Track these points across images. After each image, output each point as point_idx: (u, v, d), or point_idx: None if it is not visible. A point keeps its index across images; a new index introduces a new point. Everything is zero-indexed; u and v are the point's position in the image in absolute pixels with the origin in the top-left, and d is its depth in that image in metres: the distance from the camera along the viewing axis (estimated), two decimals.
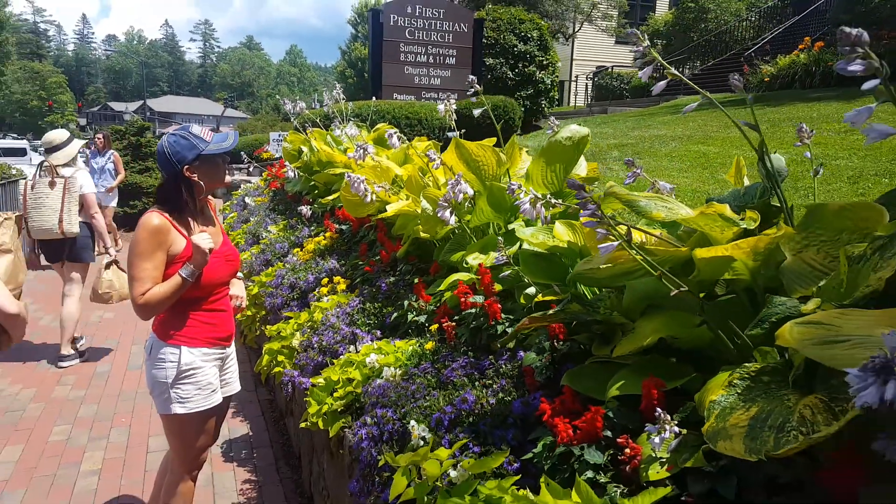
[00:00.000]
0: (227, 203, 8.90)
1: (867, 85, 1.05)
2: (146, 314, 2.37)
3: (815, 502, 1.18)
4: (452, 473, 1.74)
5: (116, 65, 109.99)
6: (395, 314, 2.93)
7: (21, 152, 26.76)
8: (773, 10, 19.08)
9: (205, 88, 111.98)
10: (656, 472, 1.42)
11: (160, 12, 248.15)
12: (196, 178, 2.43)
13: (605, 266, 1.71)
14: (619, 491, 1.45)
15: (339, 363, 2.71)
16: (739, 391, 1.27)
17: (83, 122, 72.59)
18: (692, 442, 1.41)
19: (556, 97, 14.01)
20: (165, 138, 2.45)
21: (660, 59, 1.65)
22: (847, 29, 1.00)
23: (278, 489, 3.39)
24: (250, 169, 9.83)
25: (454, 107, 3.70)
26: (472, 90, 3.00)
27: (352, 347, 2.84)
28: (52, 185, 5.06)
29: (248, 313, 4.60)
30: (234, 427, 4.12)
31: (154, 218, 2.36)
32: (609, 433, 1.58)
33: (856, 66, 1.01)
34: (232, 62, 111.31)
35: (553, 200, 1.82)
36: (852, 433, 1.10)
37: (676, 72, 1.74)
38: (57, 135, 5.31)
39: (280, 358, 3.43)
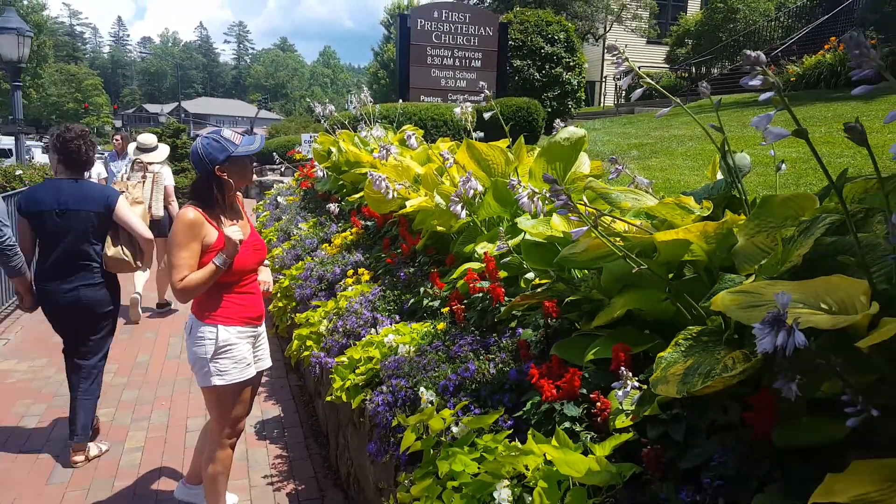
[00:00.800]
0: (260, 202, 9.28)
1: (763, 96, 1.31)
2: (184, 297, 2.69)
3: (741, 439, 1.43)
4: (454, 429, 2.03)
5: (151, 67, 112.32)
6: (412, 300, 3.22)
7: (5, 154, 21.02)
8: (802, 10, 18.99)
9: (239, 90, 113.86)
10: (622, 422, 1.68)
11: (194, 14, 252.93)
12: (226, 177, 2.74)
13: (584, 250, 1.98)
14: (590, 437, 1.72)
15: (361, 344, 3.01)
16: (683, 349, 1.53)
17: (118, 123, 74.26)
18: (659, 398, 1.67)
19: (583, 98, 14.16)
20: (199, 140, 2.77)
21: (637, 75, 1.90)
22: (748, 51, 1.26)
23: (307, 463, 3.70)
24: (283, 169, 10.20)
25: (469, 110, 3.98)
26: (483, 95, 3.26)
27: (372, 330, 3.14)
28: (143, 178, 6.13)
29: (280, 304, 4.94)
30: (266, 409, 4.45)
31: (189, 213, 2.68)
32: (585, 391, 1.85)
33: (755, 82, 1.27)
34: (265, 64, 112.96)
35: (547, 194, 2.08)
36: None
37: (650, 81, 1.99)
38: (150, 138, 6.61)
39: (308, 343, 3.74)
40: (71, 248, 3.58)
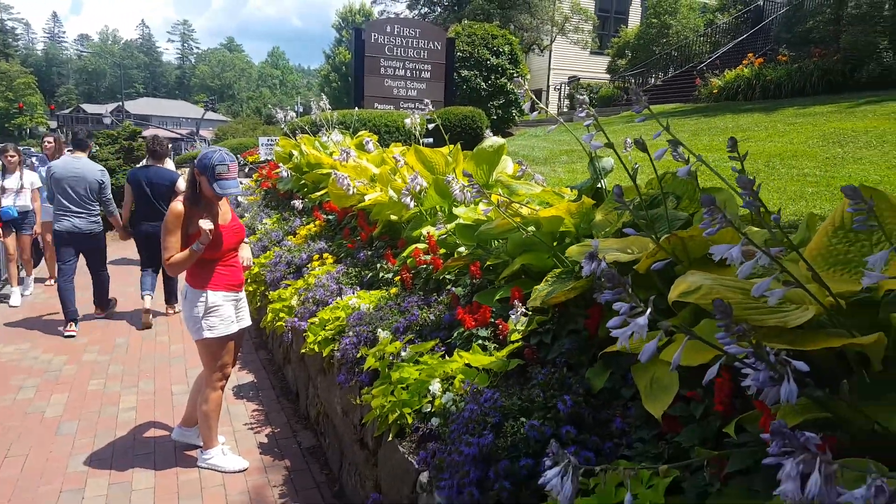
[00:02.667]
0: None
1: (580, 114, 2.15)
2: (173, 272, 3.48)
3: (582, 337, 2.28)
4: (403, 354, 2.83)
5: (89, 65, 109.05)
6: (370, 275, 4.02)
7: None
8: (728, 27, 20.49)
9: (183, 90, 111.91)
10: (515, 336, 2.51)
11: (136, 12, 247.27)
12: (201, 183, 3.46)
13: (495, 226, 2.82)
14: (494, 346, 2.55)
15: (329, 308, 3.79)
16: (549, 283, 2.37)
17: (54, 124, 72.00)
18: (537, 319, 2.51)
19: (525, 107, 15.17)
20: (206, 147, 3.52)
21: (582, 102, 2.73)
22: (578, 96, 2.10)
23: (280, 414, 4.44)
24: (246, 171, 10.83)
25: (418, 120, 4.80)
26: (428, 109, 4.07)
27: (338, 298, 3.91)
28: None
29: (250, 289, 5.64)
30: (241, 377, 5.15)
31: (178, 205, 3.44)
32: (493, 321, 2.68)
33: (582, 114, 2.11)
34: (212, 64, 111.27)
35: (474, 188, 2.90)
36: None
37: (584, 98, 2.83)
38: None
39: (282, 314, 4.48)
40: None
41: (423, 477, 2.26)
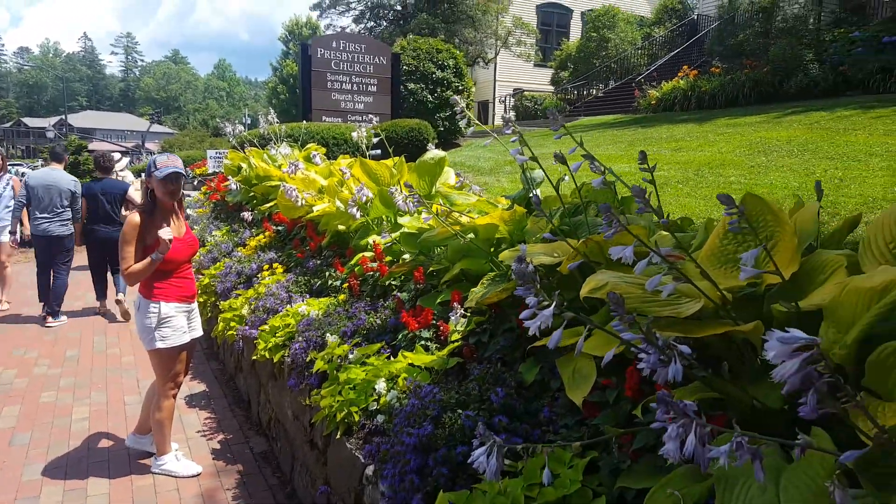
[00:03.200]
0: None
1: (506, 130, 2.36)
2: (131, 282, 3.55)
3: (515, 335, 2.48)
4: (350, 356, 2.99)
5: (30, 79, 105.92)
6: (319, 283, 4.16)
7: None
8: (665, 40, 21.27)
9: (128, 103, 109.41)
10: (455, 336, 2.70)
11: (77, 24, 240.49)
12: (153, 189, 3.58)
13: (436, 234, 3.01)
14: (435, 347, 2.73)
15: (279, 316, 3.91)
16: (484, 286, 2.56)
17: None
18: (475, 319, 2.70)
19: (472, 118, 15.47)
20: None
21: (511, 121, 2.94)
22: (506, 117, 2.31)
23: (233, 421, 4.52)
24: (195, 183, 10.78)
25: (364, 133, 4.97)
26: (374, 121, 4.25)
27: (288, 306, 4.04)
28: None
29: (201, 300, 5.69)
30: (193, 387, 5.20)
31: (135, 217, 3.53)
32: (435, 323, 2.86)
33: (508, 130, 2.32)
34: (157, 76, 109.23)
35: (415, 198, 3.09)
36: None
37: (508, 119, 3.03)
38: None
39: (233, 324, 4.57)
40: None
41: (369, 470, 2.42)
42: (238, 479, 3.69)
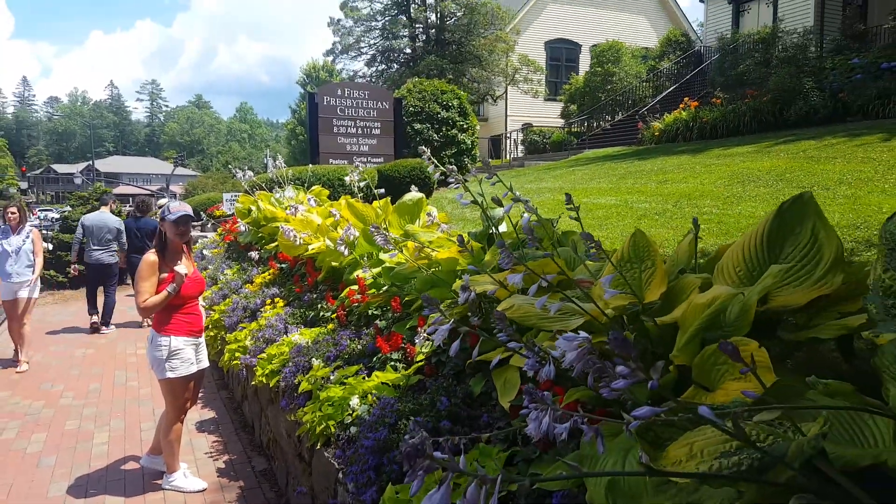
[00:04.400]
0: None
1: (451, 180, 2.78)
2: (146, 314, 4.01)
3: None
4: (332, 377, 3.39)
5: (59, 126, 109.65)
6: (312, 314, 4.58)
7: None
8: (669, 72, 21.76)
9: (153, 147, 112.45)
10: (420, 357, 3.09)
11: (105, 73, 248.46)
12: (166, 231, 4.06)
13: (406, 268, 3.42)
14: (402, 367, 3.13)
15: (276, 344, 4.33)
16: (444, 312, 2.95)
17: (24, 185, 71.94)
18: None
19: (477, 154, 16.00)
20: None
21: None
22: (485, 160, 2.73)
23: (238, 444, 4.92)
24: (208, 225, 11.34)
25: (357, 177, 5.42)
26: (361, 169, 4.70)
27: (284, 335, 4.46)
28: None
29: (212, 333, 6.14)
30: (204, 414, 5.61)
31: (150, 256, 4.01)
32: (403, 346, 3.25)
33: (451, 180, 2.74)
34: (180, 121, 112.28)
35: (392, 236, 3.51)
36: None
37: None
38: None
39: (237, 354, 5.00)
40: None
41: (341, 474, 2.80)
42: (239, 493, 4.08)
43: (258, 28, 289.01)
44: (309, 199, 5.12)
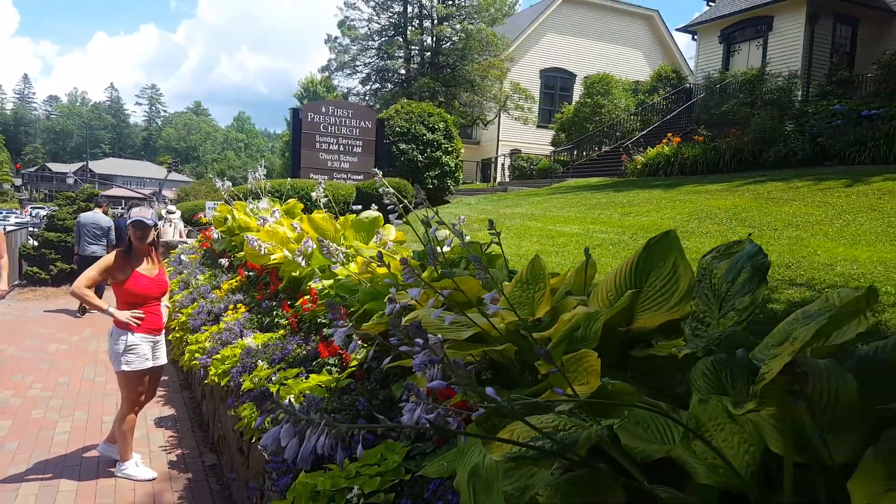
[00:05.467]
0: (166, 259, 10.63)
1: (394, 217, 3.07)
2: (74, 294, 4.34)
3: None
4: (273, 378, 3.64)
5: (57, 125, 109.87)
6: (268, 320, 4.83)
7: None
8: (657, 107, 22.25)
9: (149, 152, 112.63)
10: (354, 362, 3.35)
11: (106, 75, 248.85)
12: (131, 234, 4.34)
13: (350, 280, 3.69)
14: (337, 371, 3.39)
15: (230, 346, 4.57)
16: (373, 322, 3.22)
17: (18, 182, 72.05)
18: (368, 349, 3.35)
19: (460, 177, 16.34)
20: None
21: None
22: (387, 187, 3.02)
23: (192, 440, 5.14)
24: (188, 231, 11.59)
25: (321, 192, 5.69)
26: (321, 188, 4.98)
27: (239, 339, 4.70)
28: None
29: (178, 335, 6.37)
30: (164, 411, 5.83)
31: (111, 257, 4.31)
32: (340, 352, 3.51)
33: (387, 199, 3.02)
34: (178, 127, 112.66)
35: (342, 250, 3.78)
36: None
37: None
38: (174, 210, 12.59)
39: (196, 354, 5.23)
40: None
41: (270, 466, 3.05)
42: (186, 484, 4.30)
43: (260, 40, 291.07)
44: (274, 212, 5.40)
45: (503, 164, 25.24)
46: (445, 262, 3.50)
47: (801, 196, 8.60)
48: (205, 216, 12.15)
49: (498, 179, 25.37)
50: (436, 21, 24.07)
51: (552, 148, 25.64)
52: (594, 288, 2.55)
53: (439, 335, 2.43)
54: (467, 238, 3.89)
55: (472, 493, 1.88)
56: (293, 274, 5.10)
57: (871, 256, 4.89)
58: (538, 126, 29.87)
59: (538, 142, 29.36)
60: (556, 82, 31.82)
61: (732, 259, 1.58)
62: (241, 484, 3.57)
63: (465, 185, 22.24)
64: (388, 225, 5.00)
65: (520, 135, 29.69)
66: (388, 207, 3.34)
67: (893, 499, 0.98)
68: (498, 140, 29.56)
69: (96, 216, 10.62)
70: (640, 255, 2.27)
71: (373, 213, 4.64)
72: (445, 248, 3.98)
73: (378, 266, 3.43)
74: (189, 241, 11.08)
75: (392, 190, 3.49)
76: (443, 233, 4.04)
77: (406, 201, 3.51)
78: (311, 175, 12.13)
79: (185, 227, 12.97)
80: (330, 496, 2.40)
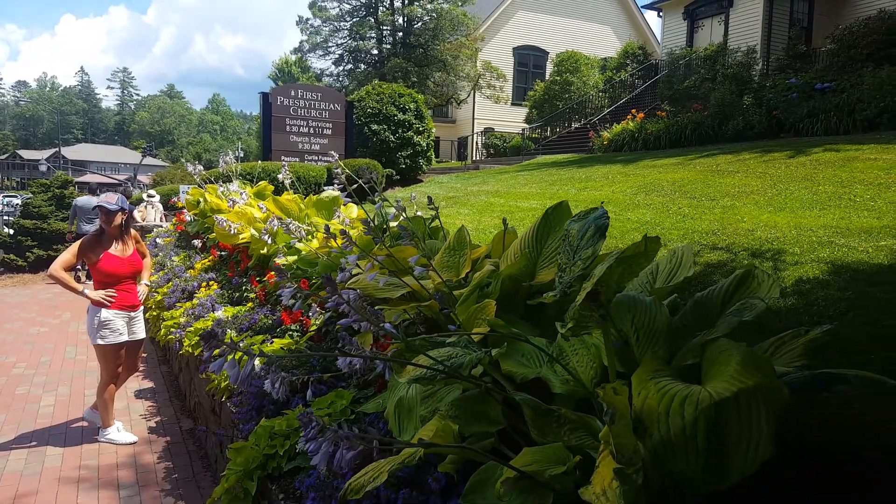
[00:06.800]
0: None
1: (337, 187, 3.45)
2: (50, 276, 4.65)
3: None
4: (241, 343, 4.02)
5: (27, 112, 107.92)
6: (238, 295, 5.21)
7: None
8: (624, 83, 22.67)
9: (122, 136, 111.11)
10: (313, 327, 3.74)
11: (75, 59, 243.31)
12: (102, 218, 4.68)
13: (309, 254, 4.07)
14: (297, 335, 3.78)
15: (202, 319, 4.95)
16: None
17: None
18: (324, 315, 3.75)
19: (432, 157, 16.68)
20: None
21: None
22: (343, 169, 3.39)
23: (170, 408, 5.52)
24: (164, 216, 11.87)
25: (287, 174, 6.04)
26: (285, 170, 5.33)
27: (211, 312, 5.07)
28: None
29: (155, 313, 6.72)
30: (143, 384, 6.20)
31: (85, 239, 4.63)
32: (301, 319, 3.91)
33: (336, 181, 3.40)
34: (151, 110, 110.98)
35: (302, 227, 4.16)
36: None
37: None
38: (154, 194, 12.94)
39: (172, 329, 5.60)
40: None
41: (235, 417, 3.45)
42: (165, 446, 4.70)
43: (235, 20, 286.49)
44: (242, 194, 5.76)
45: (477, 143, 25.56)
46: (391, 235, 3.89)
47: (746, 168, 9.07)
48: (179, 200, 12.43)
49: (472, 158, 25.72)
50: (406, 1, 24.21)
51: (526, 125, 26.04)
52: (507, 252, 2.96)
53: (377, 295, 2.85)
54: (415, 214, 4.29)
55: (397, 418, 2.31)
56: (261, 252, 5.47)
57: (789, 222, 5.35)
58: (512, 104, 30.18)
59: (513, 119, 29.69)
60: (529, 60, 32.08)
61: (584, 221, 1.98)
62: (213, 437, 3.97)
63: (441, 164, 22.61)
64: (350, 204, 5.37)
65: (495, 113, 29.97)
66: (340, 188, 3.70)
67: (652, 383, 1.39)
68: (473, 118, 29.84)
69: (90, 200, 11.74)
70: (540, 222, 2.67)
71: (333, 192, 5.01)
72: (394, 224, 4.38)
73: (332, 242, 3.81)
74: (164, 224, 11.37)
75: (349, 172, 3.85)
76: (391, 210, 4.42)
77: (373, 182, 3.86)
78: (283, 158, 12.36)
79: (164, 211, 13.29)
80: (285, 434, 2.81)
